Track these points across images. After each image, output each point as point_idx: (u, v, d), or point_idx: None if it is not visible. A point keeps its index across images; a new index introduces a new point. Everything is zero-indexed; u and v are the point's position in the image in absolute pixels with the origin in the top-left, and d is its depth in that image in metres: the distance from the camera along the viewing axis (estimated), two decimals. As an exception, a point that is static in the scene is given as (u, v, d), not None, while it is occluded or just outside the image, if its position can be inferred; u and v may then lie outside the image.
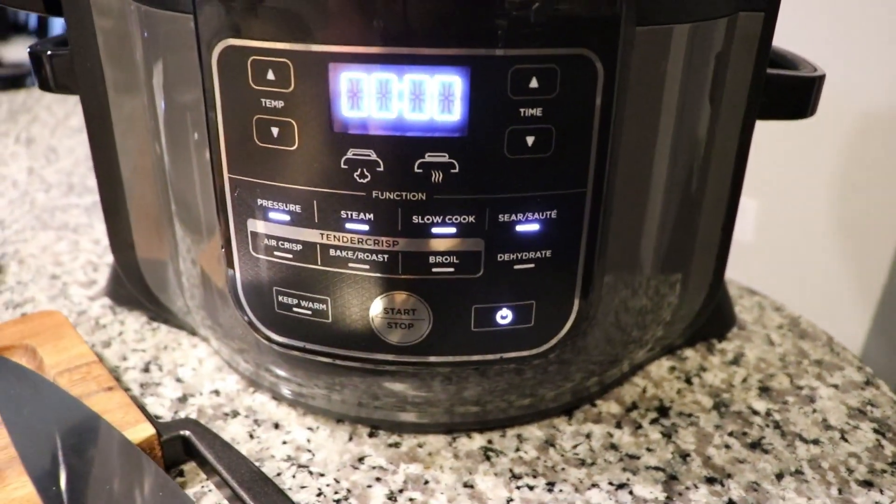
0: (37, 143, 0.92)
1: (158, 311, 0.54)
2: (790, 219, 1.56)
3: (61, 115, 1.02)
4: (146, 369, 0.50)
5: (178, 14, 0.37)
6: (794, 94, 0.45)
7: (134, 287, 0.53)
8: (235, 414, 0.46)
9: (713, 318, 0.53)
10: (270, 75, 0.33)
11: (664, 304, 0.47)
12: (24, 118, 1.01)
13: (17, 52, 2.12)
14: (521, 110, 0.32)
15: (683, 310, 0.49)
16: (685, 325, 0.51)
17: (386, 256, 0.35)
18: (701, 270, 0.48)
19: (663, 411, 0.47)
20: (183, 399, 0.47)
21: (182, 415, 0.46)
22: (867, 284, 1.51)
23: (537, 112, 0.33)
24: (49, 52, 0.46)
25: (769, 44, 0.42)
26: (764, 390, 0.50)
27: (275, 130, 0.34)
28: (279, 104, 0.33)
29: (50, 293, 0.59)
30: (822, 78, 0.45)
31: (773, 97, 0.44)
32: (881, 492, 0.41)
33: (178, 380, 0.49)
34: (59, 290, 0.59)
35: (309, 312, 0.38)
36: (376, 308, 0.37)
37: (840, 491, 0.41)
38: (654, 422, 0.46)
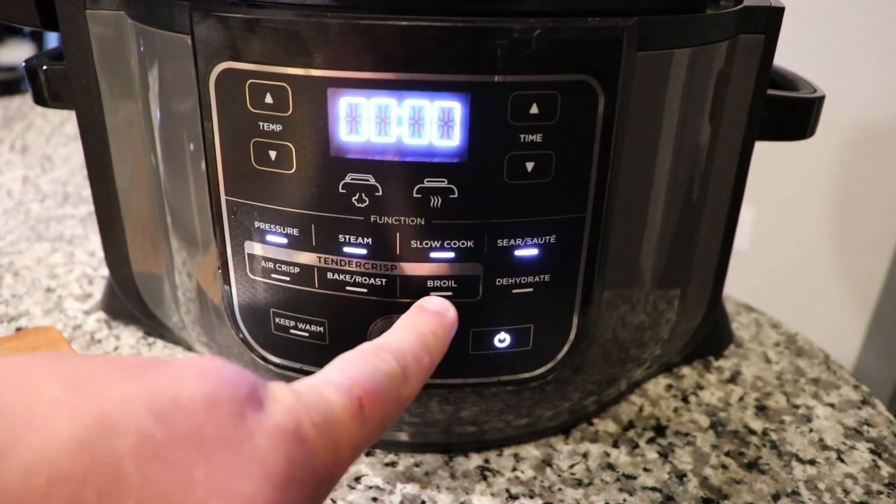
0: (32, 152, 0.91)
1: (154, 327, 0.54)
2: (787, 228, 1.56)
3: (57, 122, 1.02)
4: (141, 386, 0.50)
5: (176, 34, 0.36)
6: (794, 115, 0.45)
7: (129, 302, 0.53)
8: (231, 432, 0.46)
9: (710, 336, 0.53)
10: (269, 99, 0.33)
11: (662, 321, 0.47)
12: (18, 125, 1.01)
13: (13, 54, 2.11)
14: (521, 136, 0.32)
15: (681, 327, 0.49)
16: (683, 342, 0.51)
17: (384, 280, 0.35)
18: (699, 288, 0.48)
19: (660, 430, 0.47)
20: (178, 417, 0.47)
21: (177, 433, 0.46)
22: (863, 294, 1.51)
23: (537, 138, 0.33)
24: (45, 67, 0.46)
25: (769, 66, 0.42)
26: (761, 409, 0.49)
27: (272, 154, 0.34)
28: (277, 128, 0.33)
29: (45, 307, 0.59)
30: (821, 99, 0.45)
31: (772, 118, 0.44)
32: (878, 514, 0.41)
33: (174, 397, 0.49)
34: (55, 304, 0.59)
35: (306, 334, 0.38)
36: (374, 331, 0.37)
37: (837, 513, 0.41)
38: (650, 441, 0.46)
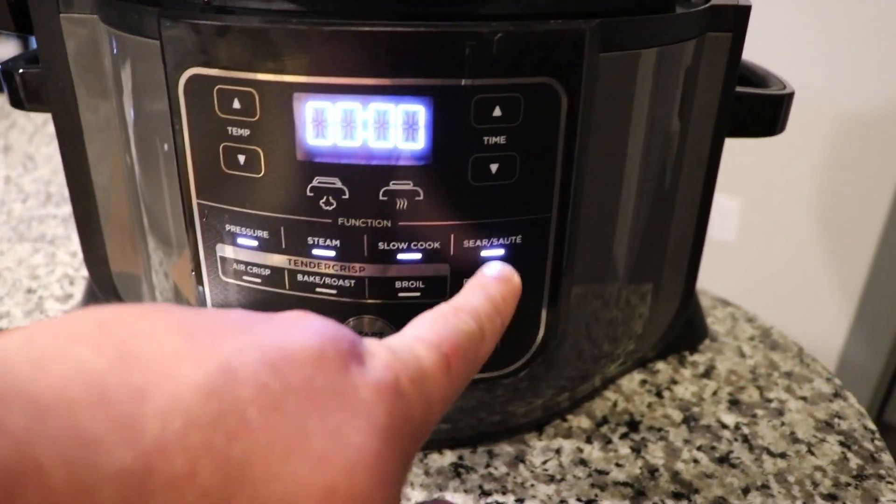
0: (14, 151, 0.91)
1: (134, 326, 0.54)
2: (773, 219, 1.57)
3: (39, 121, 1.02)
4: (121, 386, 0.50)
5: (146, 39, 0.37)
6: (764, 111, 0.45)
7: (109, 302, 0.53)
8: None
9: (685, 331, 0.54)
10: (236, 104, 0.33)
11: (635, 317, 0.47)
12: (1, 125, 1.01)
13: (-1, 52, 2.11)
14: (485, 138, 0.33)
15: (655, 323, 0.50)
16: (657, 337, 0.52)
17: (353, 282, 0.36)
18: (672, 283, 0.49)
19: (633, 426, 0.48)
20: (157, 416, 0.47)
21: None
22: (848, 284, 1.52)
23: (501, 140, 0.33)
24: (21, 70, 0.46)
25: (737, 63, 0.42)
26: (734, 403, 0.50)
27: (241, 158, 0.34)
28: (245, 132, 0.34)
29: (25, 308, 0.59)
30: (790, 95, 0.46)
31: (742, 115, 0.44)
32: (845, 506, 0.42)
33: (153, 397, 0.49)
34: (35, 305, 0.59)
35: (278, 335, 0.38)
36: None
37: (805, 505, 0.42)
38: (623, 436, 0.47)
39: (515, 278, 0.33)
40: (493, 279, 0.32)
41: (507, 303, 0.32)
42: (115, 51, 0.40)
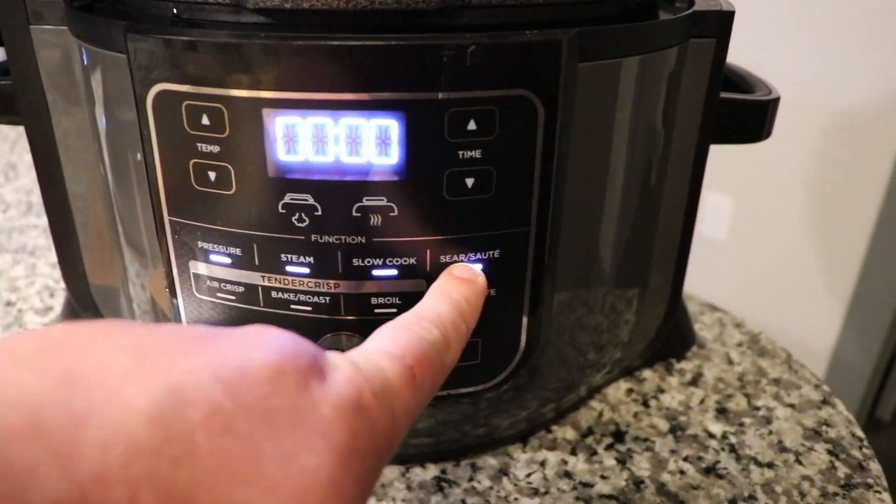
0: (-3, 159, 0.91)
1: (114, 340, 0.53)
2: (764, 217, 1.57)
3: (22, 129, 1.01)
4: (100, 401, 0.49)
5: (115, 53, 0.36)
6: (749, 117, 0.45)
7: (87, 315, 0.52)
8: (188, 448, 0.46)
9: (672, 338, 0.53)
10: (205, 120, 0.33)
11: (621, 324, 0.47)
12: (-16, 132, 1.00)
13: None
14: (460, 153, 0.32)
15: (641, 329, 0.49)
16: (643, 345, 0.51)
17: (328, 299, 0.35)
18: (658, 289, 0.48)
19: (619, 436, 0.47)
20: (136, 433, 0.47)
21: (135, 450, 0.45)
22: (840, 281, 1.52)
23: (476, 154, 0.32)
24: (-8, 83, 0.46)
25: (721, 69, 0.42)
26: (721, 412, 0.50)
27: (212, 175, 0.34)
28: (215, 149, 0.33)
29: (4, 321, 0.58)
30: (776, 101, 0.45)
31: (727, 121, 0.44)
32: (833, 517, 0.42)
33: (132, 412, 0.48)
34: (14, 318, 0.58)
35: (254, 353, 0.37)
36: (323, 346, 0.37)
37: (792, 517, 0.42)
38: (609, 447, 0.46)
39: (480, 279, 0.33)
40: (457, 282, 0.32)
41: (471, 306, 0.31)
42: (85, 63, 0.39)
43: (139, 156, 0.38)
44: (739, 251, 1.62)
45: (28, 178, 0.85)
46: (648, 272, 0.47)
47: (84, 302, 0.52)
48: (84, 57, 0.39)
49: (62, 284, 0.63)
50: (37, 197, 0.80)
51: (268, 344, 0.22)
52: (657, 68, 0.38)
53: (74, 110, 0.44)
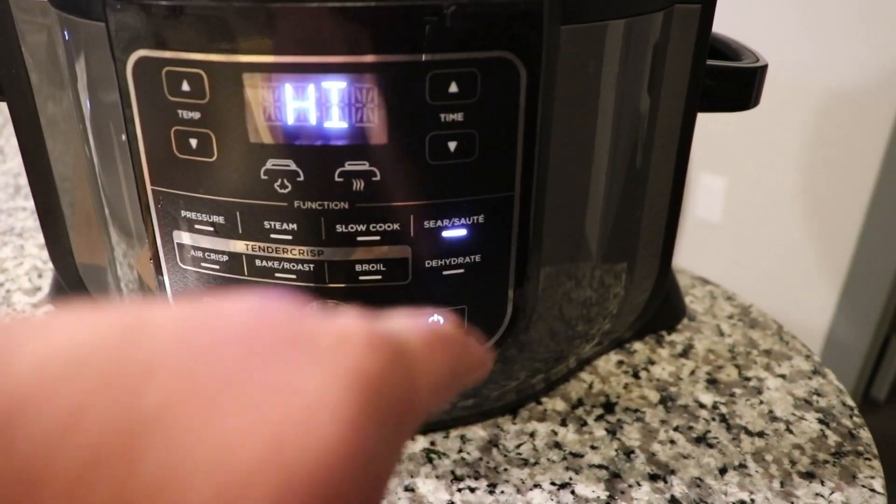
0: (-14, 144, 0.90)
1: (102, 318, 0.53)
2: (758, 198, 1.56)
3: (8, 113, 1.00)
4: (88, 379, 0.49)
5: (94, 23, 0.36)
6: (736, 85, 0.44)
7: (75, 294, 0.52)
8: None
9: (663, 310, 0.53)
10: (185, 86, 0.32)
11: (610, 296, 0.47)
12: (-26, 117, 0.99)
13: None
14: (442, 116, 0.32)
15: (630, 302, 0.49)
16: (633, 317, 0.51)
17: (312, 266, 0.35)
18: (647, 261, 0.48)
19: (609, 407, 0.47)
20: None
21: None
22: (834, 261, 1.52)
23: (458, 117, 0.32)
24: (-25, 59, 0.45)
25: (707, 35, 0.41)
26: (712, 383, 0.50)
27: (193, 142, 0.33)
28: (196, 115, 0.33)
29: (-7, 301, 0.58)
30: (764, 68, 0.45)
31: (714, 89, 0.44)
32: (822, 483, 0.41)
33: (121, 389, 0.48)
34: (2, 298, 0.58)
35: (239, 323, 0.37)
36: (306, 318, 0.36)
37: (782, 484, 0.41)
38: (599, 418, 0.46)
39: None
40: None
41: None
42: (66, 37, 0.39)
43: (121, 132, 0.38)
44: (733, 233, 1.62)
45: (15, 161, 0.85)
46: (637, 244, 0.47)
47: (71, 281, 0.51)
48: (66, 34, 0.39)
49: (50, 265, 0.63)
50: (24, 180, 0.79)
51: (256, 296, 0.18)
52: (642, 33, 0.38)
53: (60, 93, 0.43)
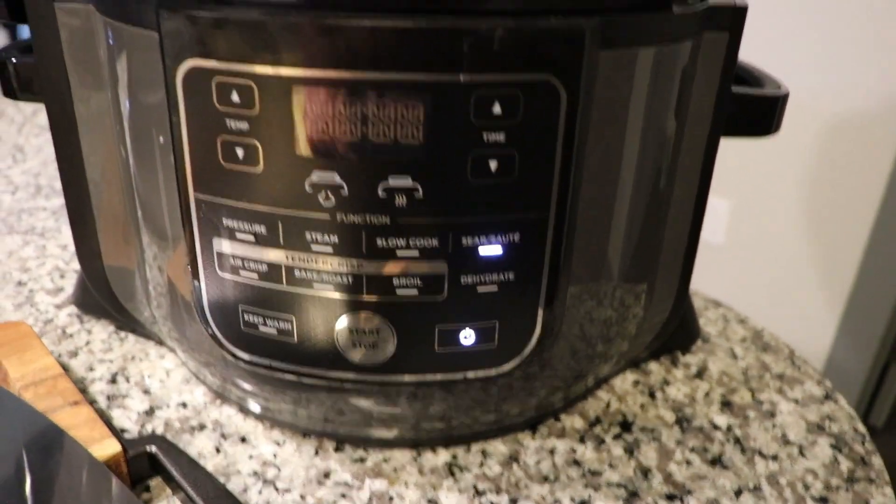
0: (3, 142, 0.91)
1: (126, 321, 0.54)
2: (761, 220, 1.58)
3: (29, 112, 1.01)
4: (113, 380, 0.50)
5: (143, 30, 0.36)
6: (759, 111, 0.45)
7: (101, 296, 0.53)
8: (202, 427, 0.46)
9: (678, 332, 0.54)
10: (235, 97, 0.33)
11: (629, 316, 0.47)
12: (-8, 116, 1.00)
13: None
14: (484, 135, 0.33)
15: (648, 322, 0.50)
16: (650, 338, 0.52)
17: (350, 278, 0.36)
18: (666, 283, 0.49)
19: (626, 426, 0.48)
20: (150, 412, 0.47)
21: (149, 428, 0.46)
22: (836, 284, 1.53)
23: (500, 137, 0.33)
24: (14, 60, 0.46)
25: (734, 63, 0.42)
26: (726, 405, 0.50)
27: (240, 152, 0.34)
28: (244, 126, 0.33)
29: (16, 300, 0.58)
30: (785, 96, 0.46)
31: (737, 115, 0.45)
32: (837, 508, 0.42)
33: (146, 391, 0.49)
34: (26, 298, 0.59)
35: (274, 331, 0.38)
36: (341, 328, 0.37)
37: (797, 507, 0.42)
38: (616, 437, 0.47)
39: None
40: None
41: None
42: (110, 41, 0.40)
43: (162, 138, 0.39)
44: (736, 255, 1.63)
45: (35, 160, 0.85)
46: (657, 266, 0.47)
47: (98, 283, 0.52)
48: (109, 35, 0.40)
49: (72, 265, 0.63)
50: (45, 179, 0.80)
51: None
52: (672, 60, 0.39)
53: (95, 92, 0.44)
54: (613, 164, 0.39)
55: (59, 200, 0.75)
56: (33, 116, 1.00)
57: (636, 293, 0.47)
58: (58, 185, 0.79)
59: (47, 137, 0.93)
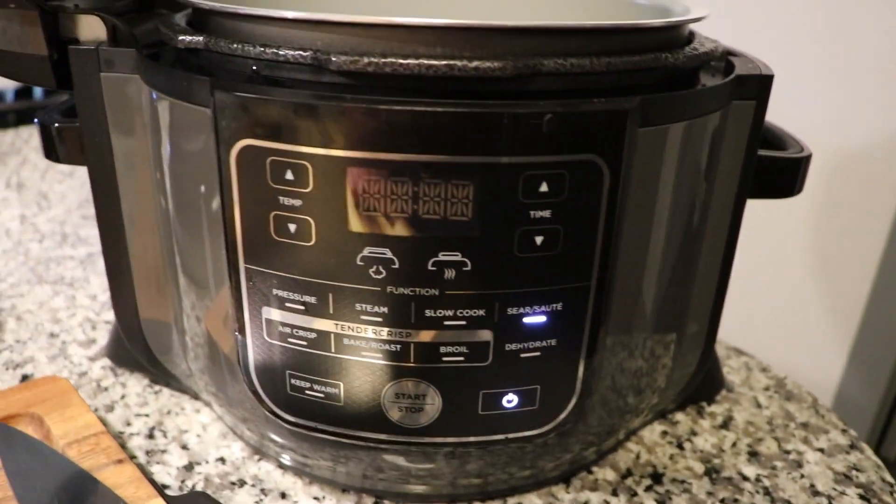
0: (27, 189, 0.92)
1: (160, 374, 0.55)
2: (767, 256, 1.59)
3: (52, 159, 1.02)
4: (150, 435, 0.51)
5: (194, 106, 0.38)
6: (784, 173, 0.47)
7: (136, 350, 0.54)
8: (242, 483, 0.47)
9: (703, 382, 0.55)
10: (289, 175, 0.34)
11: (659, 368, 0.48)
12: (13, 160, 1.01)
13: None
14: (531, 212, 0.34)
15: (677, 375, 0.51)
16: (678, 390, 0.53)
17: (399, 346, 0.37)
18: (694, 337, 0.50)
19: (657, 478, 0.49)
20: (189, 467, 0.48)
21: (189, 484, 0.47)
22: (844, 319, 1.54)
23: (546, 214, 0.34)
24: (57, 125, 0.47)
25: (760, 128, 0.44)
26: (753, 455, 0.51)
27: (292, 227, 0.35)
28: (297, 202, 0.35)
29: (49, 353, 0.59)
30: (808, 158, 0.47)
31: (763, 177, 0.46)
32: (868, 562, 0.43)
33: (184, 447, 0.50)
34: (59, 350, 0.60)
35: (321, 396, 0.39)
36: (388, 393, 0.38)
37: (829, 561, 0.43)
38: (648, 489, 0.48)
39: None
40: None
41: None
42: (158, 112, 0.41)
43: (211, 207, 0.40)
44: (743, 289, 1.64)
45: (60, 207, 0.87)
46: (686, 320, 0.49)
47: (134, 337, 0.53)
48: (157, 107, 0.41)
49: (102, 317, 0.64)
50: (70, 227, 0.81)
51: None
52: (703, 130, 0.40)
53: (136, 154, 0.45)
54: (648, 229, 0.40)
55: (85, 249, 0.76)
56: (56, 163, 1.01)
57: (665, 345, 0.48)
58: (83, 233, 0.80)
59: (70, 184, 0.94)
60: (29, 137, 1.11)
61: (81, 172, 0.98)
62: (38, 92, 2.08)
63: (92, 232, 0.80)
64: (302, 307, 0.37)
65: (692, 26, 0.45)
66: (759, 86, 0.43)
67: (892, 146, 1.36)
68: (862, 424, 1.58)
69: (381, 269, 0.35)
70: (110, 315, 0.64)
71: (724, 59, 0.47)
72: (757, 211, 1.56)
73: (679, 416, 0.55)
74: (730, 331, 0.64)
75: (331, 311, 0.37)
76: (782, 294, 1.59)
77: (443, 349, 0.37)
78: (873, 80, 1.35)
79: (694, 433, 0.53)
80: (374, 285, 0.35)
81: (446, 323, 0.36)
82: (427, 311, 0.36)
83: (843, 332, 1.55)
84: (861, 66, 1.35)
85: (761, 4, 1.26)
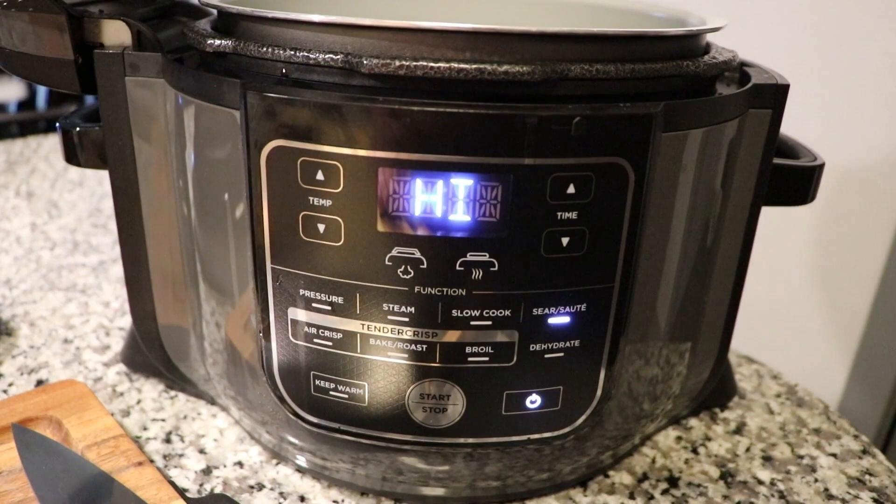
0: (37, 197, 0.92)
1: (176, 380, 0.55)
2: (769, 267, 1.59)
3: (60, 167, 1.03)
4: (168, 440, 0.51)
5: (223, 108, 0.38)
6: (798, 182, 0.47)
7: (153, 356, 0.54)
8: (261, 487, 0.47)
9: (716, 388, 0.55)
10: (320, 175, 0.35)
11: (674, 374, 0.49)
12: (22, 169, 1.02)
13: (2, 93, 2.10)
14: (558, 214, 0.35)
15: (691, 381, 0.51)
16: (692, 397, 0.53)
17: (425, 346, 0.37)
18: (708, 344, 0.50)
19: (673, 482, 0.49)
20: (207, 471, 0.48)
21: (207, 487, 0.47)
22: (846, 332, 1.55)
23: (573, 215, 0.35)
24: (79, 129, 0.48)
25: (776, 137, 0.44)
26: (767, 459, 0.52)
27: (321, 227, 0.36)
28: (327, 203, 0.35)
29: (64, 358, 0.60)
30: (821, 167, 0.48)
31: (777, 185, 0.47)
32: (885, 565, 0.43)
33: (201, 451, 0.50)
34: (73, 356, 0.60)
35: (346, 396, 0.39)
36: (412, 394, 0.39)
37: (846, 564, 0.43)
38: (665, 492, 0.48)
39: None
40: None
41: None
42: (182, 116, 0.41)
43: (237, 209, 0.40)
44: (745, 300, 1.65)
45: (71, 216, 0.87)
46: (700, 326, 0.49)
47: (151, 343, 0.53)
48: (181, 109, 0.41)
49: (116, 323, 0.65)
50: (81, 235, 0.82)
51: None
52: (720, 136, 0.41)
53: (157, 158, 0.46)
54: (667, 234, 0.41)
55: (96, 257, 0.77)
56: (65, 172, 1.01)
57: (680, 352, 0.48)
58: (94, 240, 0.80)
59: (80, 193, 0.94)
60: (38, 147, 1.11)
61: (91, 182, 0.98)
62: (41, 103, 2.09)
63: (104, 240, 0.80)
64: (328, 307, 0.37)
65: (708, 37, 0.46)
66: (775, 95, 0.43)
67: (894, 165, 1.37)
68: (865, 435, 1.57)
69: (409, 268, 0.35)
70: (124, 321, 0.65)
71: (738, 69, 0.47)
72: (759, 221, 1.56)
73: (693, 421, 0.55)
74: (734, 339, 0.64)
75: (357, 312, 0.37)
76: (784, 305, 1.60)
77: (468, 349, 0.37)
78: (876, 92, 1.37)
79: (708, 438, 0.54)
80: (401, 285, 0.36)
81: (472, 323, 0.36)
82: (454, 311, 0.36)
83: (846, 344, 1.55)
84: (864, 79, 1.37)
85: (764, 17, 1.28)
